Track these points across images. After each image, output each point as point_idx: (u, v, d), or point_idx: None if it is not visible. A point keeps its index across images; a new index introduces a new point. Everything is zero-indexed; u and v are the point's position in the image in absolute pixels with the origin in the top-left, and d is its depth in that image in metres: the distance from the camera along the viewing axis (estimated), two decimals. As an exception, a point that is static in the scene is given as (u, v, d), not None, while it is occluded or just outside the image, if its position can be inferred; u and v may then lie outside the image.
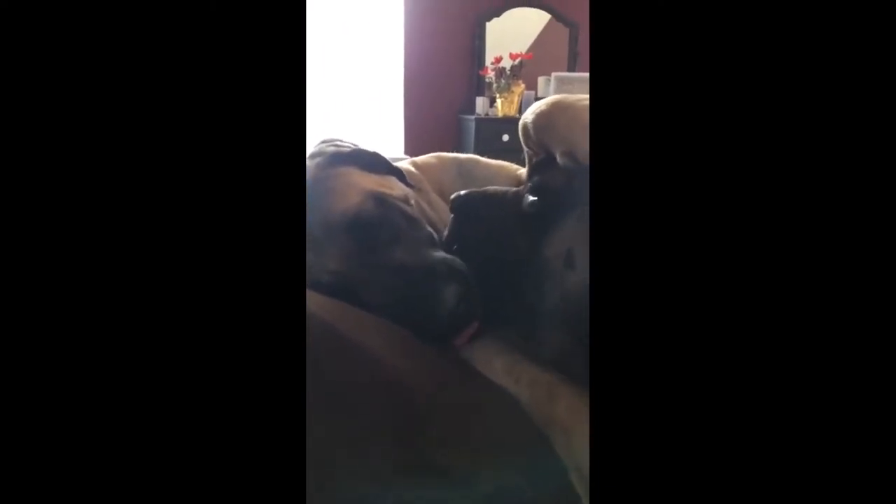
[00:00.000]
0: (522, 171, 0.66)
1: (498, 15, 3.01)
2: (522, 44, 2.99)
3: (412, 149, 2.92)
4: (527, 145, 0.51)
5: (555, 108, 0.46)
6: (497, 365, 0.44)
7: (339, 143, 0.58)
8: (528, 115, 0.49)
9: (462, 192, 0.51)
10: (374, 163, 0.58)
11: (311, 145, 0.59)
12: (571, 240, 0.43)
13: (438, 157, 0.71)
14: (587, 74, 2.94)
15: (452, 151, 0.76)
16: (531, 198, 0.47)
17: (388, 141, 2.97)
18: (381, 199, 0.51)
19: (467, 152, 0.77)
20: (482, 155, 0.74)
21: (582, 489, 0.38)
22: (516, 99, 2.82)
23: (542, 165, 0.48)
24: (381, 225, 0.49)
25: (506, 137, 2.73)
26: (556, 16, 3.06)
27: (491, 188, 0.52)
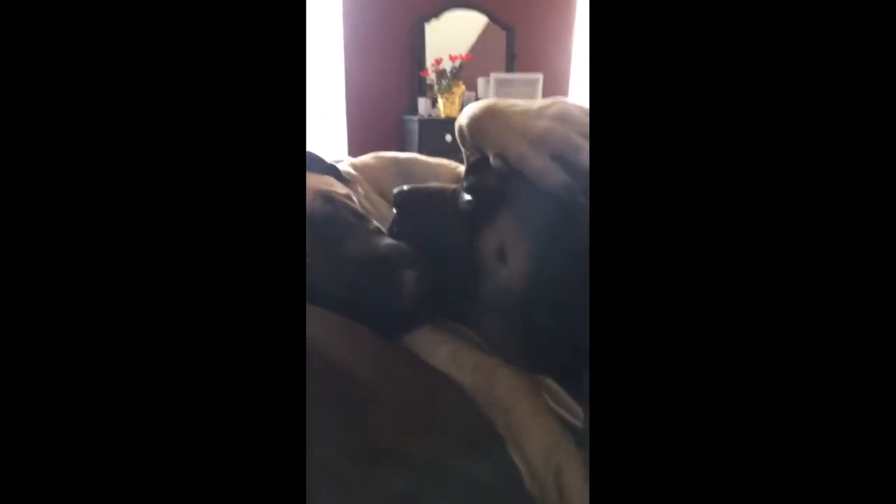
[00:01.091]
0: (462, 169, 0.67)
1: (437, 16, 3.05)
2: (461, 46, 3.04)
3: (356, 151, 2.89)
4: (463, 146, 0.54)
5: (486, 112, 0.49)
6: (441, 353, 0.46)
7: None
8: (462, 118, 0.52)
9: (405, 187, 0.52)
10: (312, 162, 0.59)
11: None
12: (503, 235, 0.46)
13: (377, 157, 0.72)
14: (524, 75, 3.03)
15: (370, 154, 0.76)
16: (466, 197, 0.49)
17: (331, 144, 2.94)
18: (328, 197, 0.53)
19: (411, 153, 0.78)
20: (426, 156, 0.75)
21: (522, 464, 0.40)
22: (458, 100, 2.87)
23: (478, 166, 0.51)
24: (333, 221, 0.51)
25: (449, 138, 2.77)
26: (493, 18, 3.13)
27: (432, 184, 0.54)
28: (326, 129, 2.94)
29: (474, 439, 0.41)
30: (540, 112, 0.45)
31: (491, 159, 0.48)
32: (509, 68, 3.18)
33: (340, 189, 0.57)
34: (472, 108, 0.50)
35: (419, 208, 0.51)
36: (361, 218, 0.53)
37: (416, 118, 2.86)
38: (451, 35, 3.06)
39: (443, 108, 2.87)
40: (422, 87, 3.03)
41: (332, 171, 0.61)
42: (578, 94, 3.37)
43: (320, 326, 0.43)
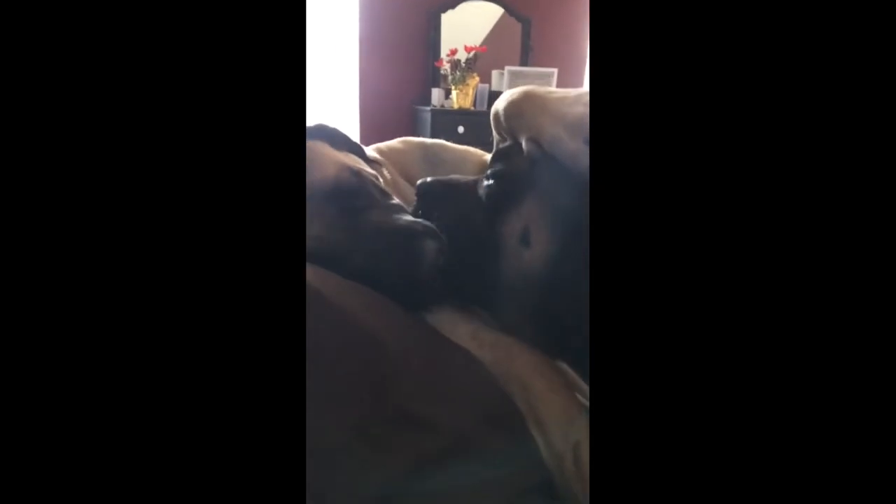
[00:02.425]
0: (488, 157, 0.68)
1: (453, 7, 3.04)
2: (476, 37, 3.04)
3: (367, 139, 2.90)
4: (497, 131, 0.55)
5: (525, 97, 0.50)
6: (462, 331, 0.48)
7: None
8: (500, 103, 0.53)
9: (427, 179, 0.54)
10: (339, 139, 0.61)
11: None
12: (527, 219, 0.47)
13: (405, 142, 0.73)
14: (539, 69, 3.02)
15: (397, 138, 0.76)
16: (490, 182, 0.51)
17: (344, 131, 2.95)
18: (355, 171, 0.55)
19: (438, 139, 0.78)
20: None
21: (540, 438, 0.42)
22: (471, 91, 2.86)
23: (505, 152, 0.52)
24: (358, 193, 0.53)
25: (461, 129, 2.77)
26: (509, 10, 3.12)
27: (454, 176, 0.56)
28: (339, 117, 2.96)
29: (497, 412, 0.42)
30: (577, 99, 0.47)
31: (524, 143, 0.49)
32: (524, 61, 3.17)
33: (367, 168, 0.58)
34: (510, 93, 0.52)
35: (442, 198, 0.53)
36: (385, 194, 0.55)
37: (428, 108, 2.86)
38: (467, 26, 3.05)
39: (456, 98, 2.87)
40: (436, 77, 3.03)
41: (357, 150, 0.62)
42: (592, 89, 3.35)
43: (355, 299, 0.45)
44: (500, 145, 0.54)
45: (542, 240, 0.46)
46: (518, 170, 0.49)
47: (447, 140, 0.78)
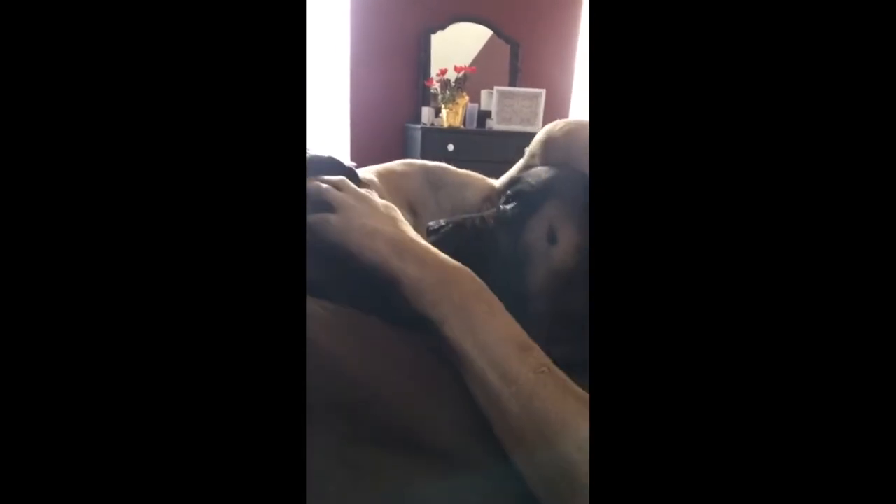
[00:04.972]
0: (490, 181, 0.70)
1: (443, 28, 3.10)
2: (465, 58, 3.09)
3: (358, 157, 2.94)
4: (531, 153, 0.60)
5: (566, 130, 0.56)
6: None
7: None
8: (542, 133, 0.59)
9: (440, 222, 0.55)
10: (330, 166, 0.60)
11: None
12: (550, 219, 0.51)
13: (407, 164, 0.72)
14: (528, 90, 3.07)
15: (398, 160, 0.77)
16: (508, 206, 0.54)
17: (335, 149, 2.97)
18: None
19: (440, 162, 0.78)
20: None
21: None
22: (461, 110, 2.91)
23: (520, 180, 0.56)
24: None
25: (451, 147, 2.81)
26: (498, 32, 3.19)
27: (461, 216, 0.57)
28: (330, 136, 2.98)
29: (481, 425, 0.41)
30: None
31: (564, 167, 0.54)
32: (512, 82, 3.23)
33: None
34: (553, 125, 0.59)
35: (456, 233, 0.55)
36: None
37: (419, 126, 2.90)
38: (457, 47, 3.11)
39: (446, 117, 2.91)
40: (426, 97, 3.07)
41: (348, 172, 0.62)
42: (579, 111, 3.41)
43: (317, 322, 0.43)
44: (520, 172, 0.58)
45: (568, 233, 0.49)
46: (532, 188, 0.53)
47: (437, 157, 0.79)
